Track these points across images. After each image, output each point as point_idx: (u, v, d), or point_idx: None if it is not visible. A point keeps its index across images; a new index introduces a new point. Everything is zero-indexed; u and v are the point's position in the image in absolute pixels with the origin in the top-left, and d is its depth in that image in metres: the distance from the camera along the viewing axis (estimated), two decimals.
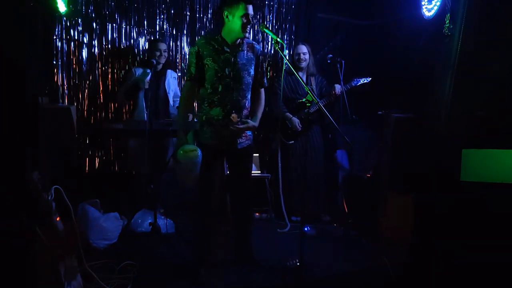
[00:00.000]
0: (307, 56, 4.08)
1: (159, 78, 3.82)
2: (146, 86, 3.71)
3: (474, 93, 3.09)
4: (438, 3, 3.47)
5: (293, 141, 4.09)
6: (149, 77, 3.65)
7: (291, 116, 4.03)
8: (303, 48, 4.07)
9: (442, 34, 3.33)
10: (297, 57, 4.08)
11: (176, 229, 3.54)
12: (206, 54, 2.66)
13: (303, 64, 4.08)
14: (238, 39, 2.71)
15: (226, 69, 2.67)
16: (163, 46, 3.81)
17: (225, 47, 2.70)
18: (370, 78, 3.96)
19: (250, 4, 2.61)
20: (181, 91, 2.56)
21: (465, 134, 3.05)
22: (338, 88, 3.90)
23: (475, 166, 2.98)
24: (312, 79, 4.17)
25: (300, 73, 4.08)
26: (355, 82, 3.94)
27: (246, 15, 2.60)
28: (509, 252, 2.71)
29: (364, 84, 3.97)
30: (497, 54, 3.02)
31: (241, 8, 2.59)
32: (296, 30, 4.70)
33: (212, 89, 2.69)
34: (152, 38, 4.10)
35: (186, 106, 2.86)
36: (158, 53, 3.76)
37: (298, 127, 4.02)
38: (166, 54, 3.85)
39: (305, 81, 3.83)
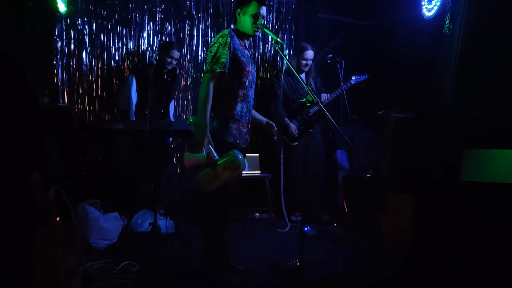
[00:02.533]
0: (311, 62, 4.08)
1: (157, 79, 3.75)
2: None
3: (474, 93, 3.09)
4: (438, 3, 3.47)
5: (297, 142, 4.07)
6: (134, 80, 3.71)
7: (289, 122, 4.02)
8: (312, 55, 4.04)
9: (442, 34, 3.33)
10: (304, 62, 4.03)
11: (176, 229, 3.53)
12: (236, 47, 2.58)
13: (307, 69, 4.08)
14: (250, 37, 2.71)
15: (251, 65, 2.68)
16: (176, 54, 3.75)
17: (246, 43, 2.70)
18: (367, 76, 3.97)
19: (262, 4, 2.59)
20: (202, 85, 2.31)
21: (465, 134, 3.05)
22: (324, 97, 3.99)
23: (475, 166, 2.98)
24: (311, 80, 4.16)
25: (300, 74, 4.08)
26: (353, 81, 3.95)
27: (256, 14, 2.58)
28: (509, 252, 2.71)
29: (363, 81, 3.97)
30: (497, 54, 3.02)
31: (252, 6, 2.57)
32: (296, 30, 4.70)
33: (239, 84, 2.62)
34: (167, 42, 4.02)
35: (210, 102, 2.49)
36: (169, 60, 3.71)
37: (294, 133, 4.00)
38: (175, 62, 3.79)
39: (305, 82, 3.82)
